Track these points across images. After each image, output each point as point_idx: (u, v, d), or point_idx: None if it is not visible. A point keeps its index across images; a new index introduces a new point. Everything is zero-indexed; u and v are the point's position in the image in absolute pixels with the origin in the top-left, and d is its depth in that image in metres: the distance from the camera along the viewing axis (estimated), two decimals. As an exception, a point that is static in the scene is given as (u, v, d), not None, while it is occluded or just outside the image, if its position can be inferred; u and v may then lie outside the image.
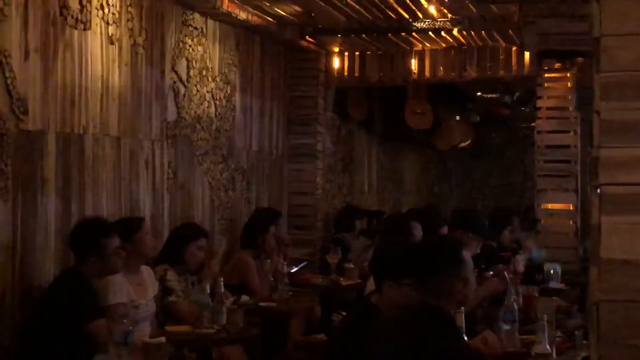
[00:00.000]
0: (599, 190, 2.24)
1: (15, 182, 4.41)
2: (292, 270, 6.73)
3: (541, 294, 5.50)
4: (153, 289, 4.94)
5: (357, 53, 8.56)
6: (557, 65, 8.00)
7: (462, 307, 3.57)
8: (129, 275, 4.73)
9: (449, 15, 7.35)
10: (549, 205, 8.04)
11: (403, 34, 7.74)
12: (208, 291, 4.85)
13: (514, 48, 8.09)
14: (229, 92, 7.08)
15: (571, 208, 8.00)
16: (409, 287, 3.49)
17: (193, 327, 4.76)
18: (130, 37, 5.54)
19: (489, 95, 10.88)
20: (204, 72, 6.64)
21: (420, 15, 7.32)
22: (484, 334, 3.82)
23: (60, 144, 4.82)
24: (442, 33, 7.63)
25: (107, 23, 5.25)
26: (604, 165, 2.25)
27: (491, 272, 5.31)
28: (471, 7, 6.84)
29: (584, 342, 4.01)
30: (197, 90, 6.53)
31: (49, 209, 4.70)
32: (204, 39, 6.62)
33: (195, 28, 6.48)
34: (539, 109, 8.12)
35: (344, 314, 5.59)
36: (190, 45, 6.39)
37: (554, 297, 5.51)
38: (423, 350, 3.02)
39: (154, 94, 5.90)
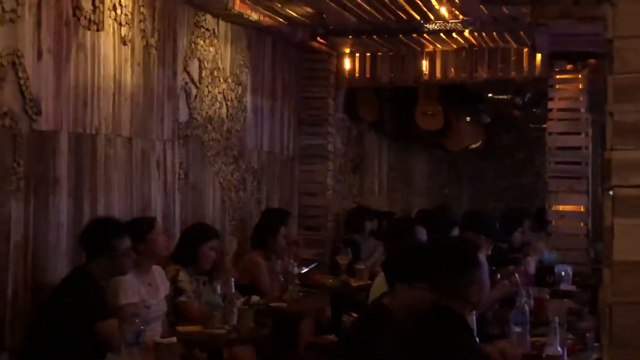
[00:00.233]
0: (611, 193, 2.24)
1: (27, 182, 4.43)
2: (303, 271, 6.72)
3: (552, 296, 5.50)
4: (164, 289, 4.95)
5: (368, 54, 8.55)
6: (568, 66, 7.97)
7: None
8: (140, 275, 4.74)
9: (460, 17, 7.33)
10: (560, 207, 8.00)
11: (414, 35, 7.73)
12: (219, 292, 4.88)
13: (525, 49, 8.06)
14: (240, 92, 7.09)
15: (582, 210, 7.98)
16: (421, 289, 3.47)
17: (204, 327, 4.77)
18: (142, 38, 5.56)
19: (500, 97, 10.86)
20: (216, 73, 6.65)
21: (432, 17, 7.30)
22: (502, 345, 3.68)
23: (73, 144, 4.83)
24: (454, 34, 7.62)
25: (120, 24, 5.27)
26: (616, 167, 2.24)
27: (501, 274, 5.31)
28: (483, 8, 6.82)
29: (595, 344, 4.02)
30: (209, 91, 6.54)
31: (61, 208, 4.72)
32: (215, 40, 6.63)
33: (207, 29, 6.49)
34: (550, 110, 8.09)
35: (354, 314, 5.61)
36: (202, 46, 6.41)
37: (565, 299, 5.50)
38: (435, 352, 3.02)
39: (166, 95, 5.92)
